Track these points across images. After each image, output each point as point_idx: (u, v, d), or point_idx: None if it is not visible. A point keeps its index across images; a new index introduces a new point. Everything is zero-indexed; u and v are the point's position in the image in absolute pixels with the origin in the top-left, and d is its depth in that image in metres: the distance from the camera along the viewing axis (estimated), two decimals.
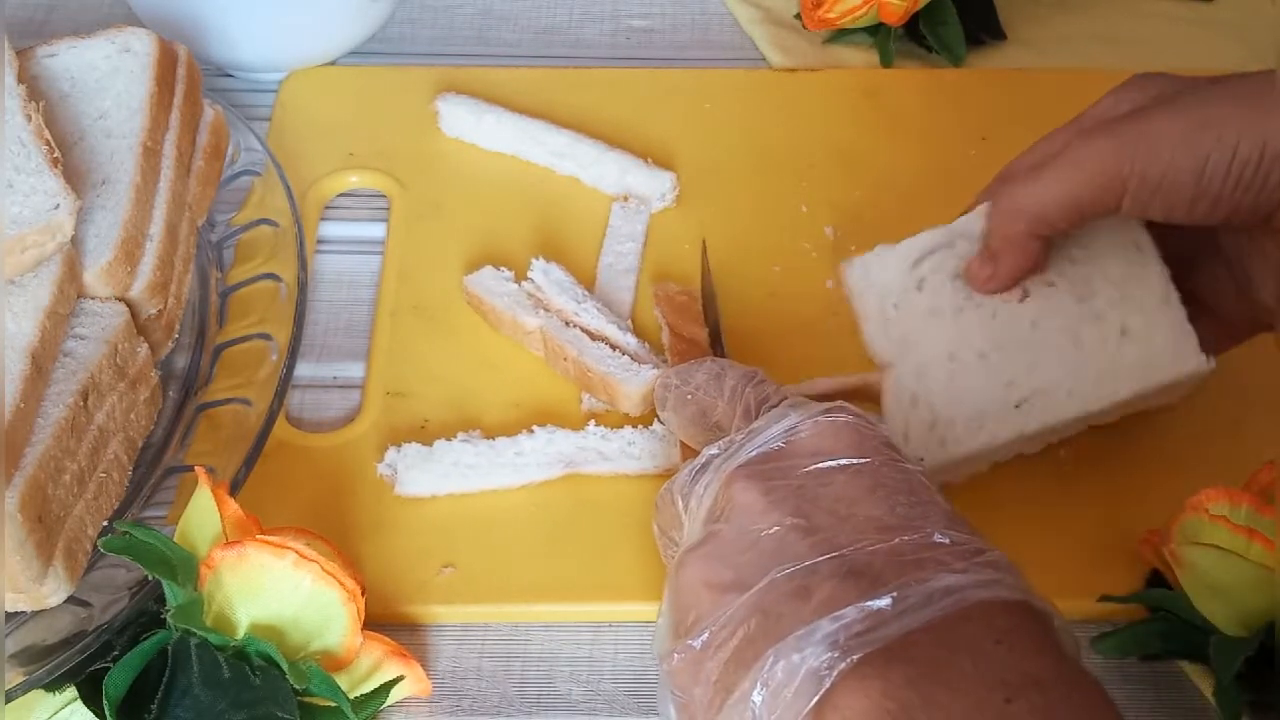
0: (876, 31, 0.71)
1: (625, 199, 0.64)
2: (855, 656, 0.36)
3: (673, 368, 0.51)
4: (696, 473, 0.44)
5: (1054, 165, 0.49)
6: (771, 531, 0.40)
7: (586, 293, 0.59)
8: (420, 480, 0.54)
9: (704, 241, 0.61)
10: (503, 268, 0.60)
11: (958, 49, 0.71)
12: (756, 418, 0.45)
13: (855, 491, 0.41)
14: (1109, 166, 0.47)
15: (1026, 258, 0.51)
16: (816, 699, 0.36)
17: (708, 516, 0.43)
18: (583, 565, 0.53)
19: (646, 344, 0.58)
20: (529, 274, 0.59)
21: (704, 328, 0.58)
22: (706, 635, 0.40)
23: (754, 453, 0.43)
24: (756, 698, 0.37)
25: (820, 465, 0.42)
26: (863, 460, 0.42)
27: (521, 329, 0.58)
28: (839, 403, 0.44)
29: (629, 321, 0.59)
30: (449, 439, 0.55)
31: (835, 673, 0.36)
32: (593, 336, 0.57)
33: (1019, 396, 0.52)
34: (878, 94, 0.69)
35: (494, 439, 0.55)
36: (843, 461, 0.42)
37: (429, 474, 0.54)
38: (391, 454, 0.55)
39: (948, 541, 0.39)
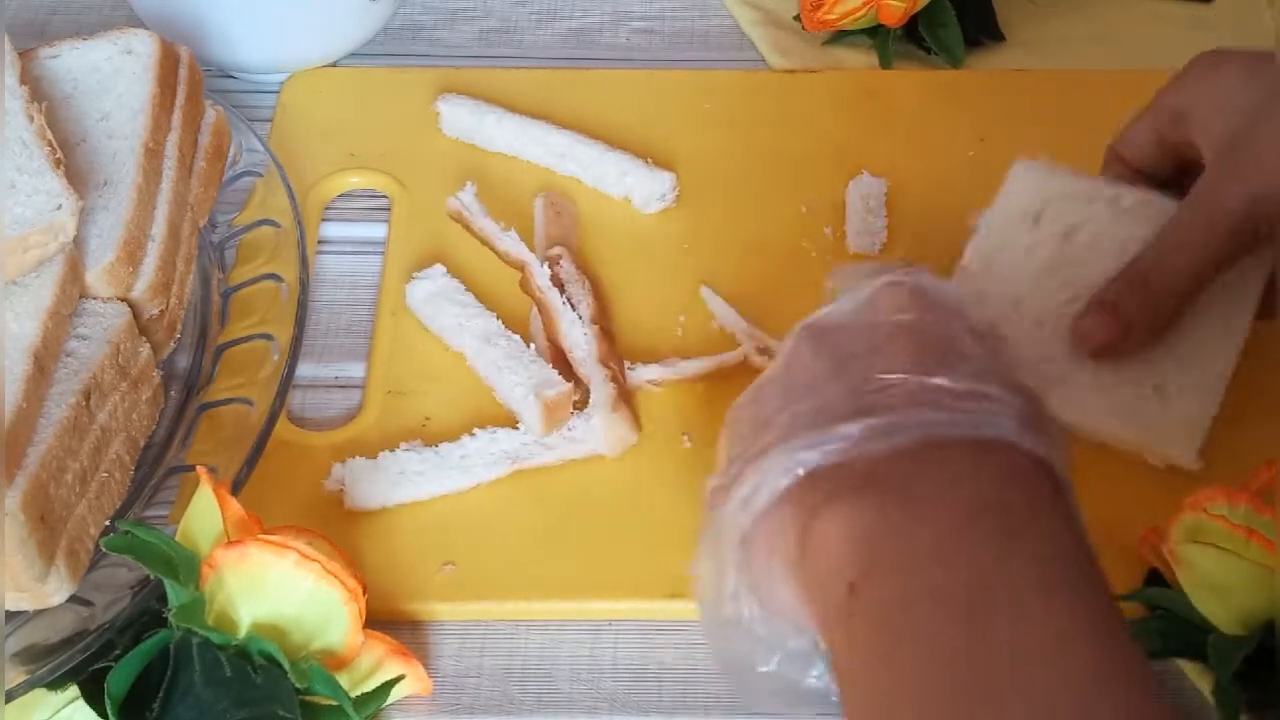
0: (876, 33, 0.71)
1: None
2: (800, 473, 0.39)
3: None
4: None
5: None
6: (809, 376, 0.42)
7: (504, 228, 0.61)
8: (370, 493, 0.54)
9: None
10: (428, 271, 0.60)
11: (956, 50, 0.71)
12: None
13: (894, 342, 0.42)
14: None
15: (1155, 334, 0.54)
16: (796, 528, 0.39)
17: (775, 367, 0.44)
18: (583, 562, 0.53)
19: (568, 297, 0.59)
20: (457, 195, 0.62)
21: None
22: (732, 467, 0.42)
23: (825, 312, 0.44)
24: (732, 506, 0.41)
25: (872, 320, 0.43)
26: (914, 316, 0.43)
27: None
28: (912, 268, 0.45)
29: (546, 266, 0.59)
30: (392, 449, 0.55)
31: (782, 490, 0.39)
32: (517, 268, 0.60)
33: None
34: (877, 95, 0.69)
35: (437, 445, 0.55)
36: (894, 317, 0.43)
37: (378, 485, 0.54)
38: (337, 469, 0.54)
39: (961, 386, 0.40)
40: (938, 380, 0.40)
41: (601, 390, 0.56)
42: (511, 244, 0.61)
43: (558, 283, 0.59)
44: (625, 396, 0.56)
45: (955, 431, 0.39)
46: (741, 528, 0.40)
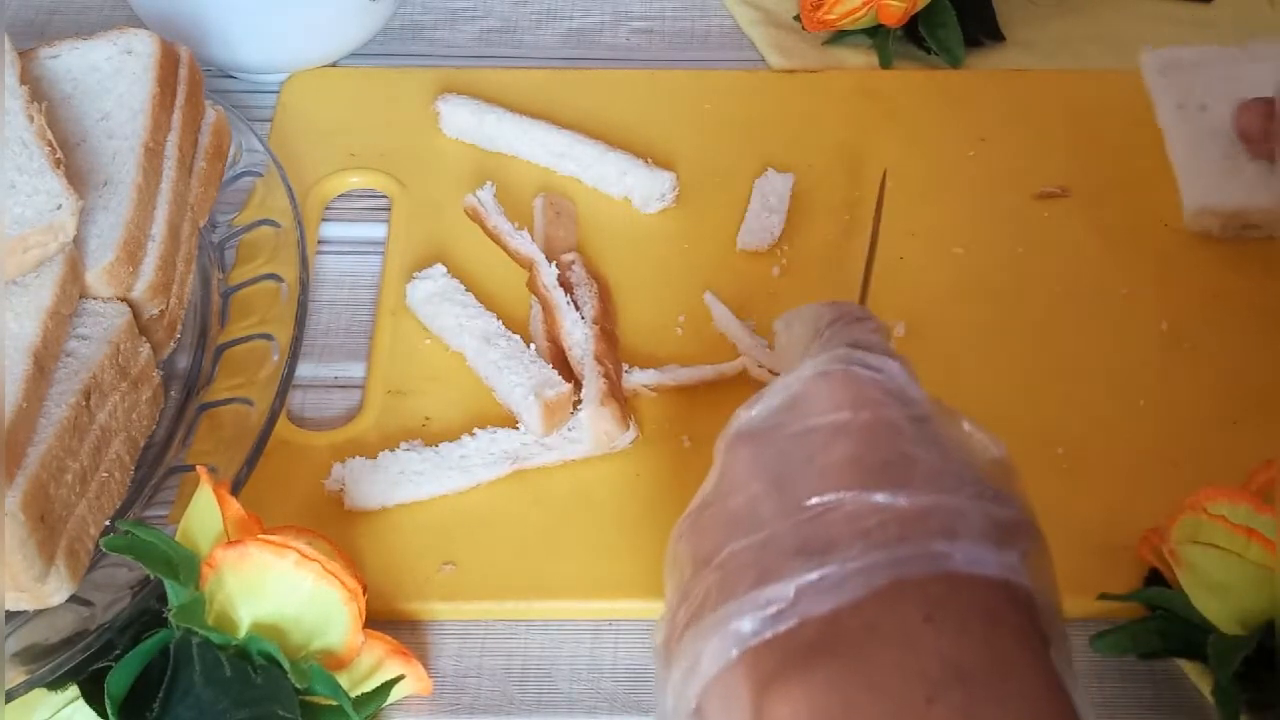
0: (876, 33, 0.71)
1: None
2: (734, 653, 0.35)
3: (782, 315, 0.47)
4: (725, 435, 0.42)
5: None
6: (747, 500, 0.39)
7: (518, 227, 0.62)
8: (370, 493, 0.54)
9: (885, 173, 0.62)
10: (428, 271, 0.60)
11: (956, 50, 0.71)
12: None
13: (830, 452, 0.38)
14: None
15: None
16: (749, 696, 0.35)
17: (712, 484, 0.41)
18: (583, 562, 0.53)
19: (573, 298, 0.59)
20: (475, 192, 0.63)
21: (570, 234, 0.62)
22: (678, 615, 0.39)
23: (755, 412, 0.41)
24: (676, 677, 0.37)
25: (806, 425, 0.39)
26: (849, 415, 0.39)
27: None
28: (842, 351, 0.41)
29: (554, 266, 0.60)
30: (392, 449, 0.55)
31: (723, 665, 0.36)
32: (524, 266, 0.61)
33: None
34: (877, 95, 0.69)
35: (437, 445, 0.55)
36: (829, 419, 0.39)
37: (378, 485, 0.54)
38: (337, 469, 0.54)
39: (906, 504, 0.37)
40: (880, 498, 0.37)
41: (592, 384, 0.56)
42: (523, 243, 0.61)
43: (565, 283, 0.59)
44: (615, 393, 0.56)
45: (904, 572, 0.35)
46: (690, 702, 0.37)
